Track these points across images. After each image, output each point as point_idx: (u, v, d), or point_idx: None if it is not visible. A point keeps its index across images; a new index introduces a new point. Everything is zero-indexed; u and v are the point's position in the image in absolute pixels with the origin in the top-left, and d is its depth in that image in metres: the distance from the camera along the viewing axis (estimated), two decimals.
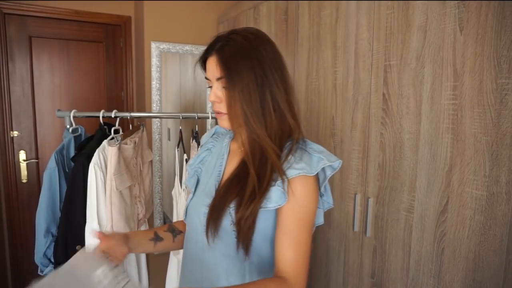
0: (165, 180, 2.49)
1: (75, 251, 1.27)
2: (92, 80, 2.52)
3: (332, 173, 0.81)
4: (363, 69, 1.26)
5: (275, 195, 0.75)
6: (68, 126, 1.42)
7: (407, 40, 1.09)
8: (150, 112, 2.38)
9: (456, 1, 0.95)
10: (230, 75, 0.77)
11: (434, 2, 1.00)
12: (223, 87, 0.79)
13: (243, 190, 0.77)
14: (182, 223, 1.01)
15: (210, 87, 0.83)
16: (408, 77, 1.09)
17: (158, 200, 2.47)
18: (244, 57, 0.76)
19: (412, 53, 1.08)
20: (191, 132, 1.45)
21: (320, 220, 0.89)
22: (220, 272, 0.82)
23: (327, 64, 1.45)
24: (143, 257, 1.60)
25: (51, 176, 1.35)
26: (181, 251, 1.32)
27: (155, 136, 2.43)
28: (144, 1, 2.31)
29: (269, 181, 0.76)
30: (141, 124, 1.64)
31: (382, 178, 1.20)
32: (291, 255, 0.74)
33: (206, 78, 0.83)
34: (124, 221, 1.27)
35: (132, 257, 1.49)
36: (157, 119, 2.40)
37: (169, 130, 2.51)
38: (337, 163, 0.78)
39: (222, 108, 0.80)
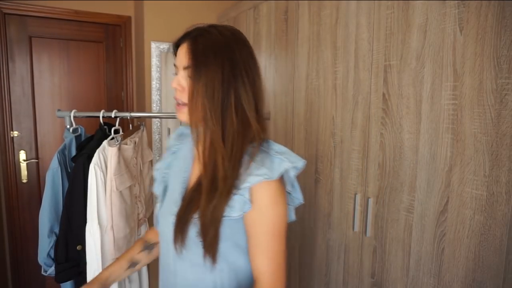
0: None
1: (75, 251, 1.28)
2: (92, 80, 2.52)
3: (297, 173, 0.78)
4: (363, 69, 1.26)
5: (238, 204, 0.73)
6: (68, 126, 1.42)
7: (407, 40, 1.09)
8: (150, 112, 2.38)
9: (456, 1, 0.95)
10: (197, 66, 0.74)
11: (434, 2, 1.00)
12: (189, 77, 0.76)
13: (200, 197, 0.75)
14: (156, 231, 1.00)
15: (176, 74, 0.80)
16: (408, 77, 1.09)
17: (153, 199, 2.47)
18: (216, 52, 0.74)
19: (412, 53, 1.08)
20: None
21: (292, 217, 0.88)
22: (191, 281, 0.81)
23: (327, 64, 1.45)
24: None
25: (53, 176, 1.35)
26: None
27: (155, 136, 2.43)
28: (144, 1, 2.31)
29: (229, 188, 0.73)
30: (141, 124, 1.64)
31: (382, 178, 1.20)
32: (265, 265, 0.74)
33: (175, 65, 0.80)
34: (124, 221, 1.27)
35: None
36: (157, 119, 2.40)
37: (169, 130, 2.51)
38: (300, 164, 0.76)
39: (184, 98, 0.77)
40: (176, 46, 0.81)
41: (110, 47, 2.55)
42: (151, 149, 2.33)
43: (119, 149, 1.26)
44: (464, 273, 0.95)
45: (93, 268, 1.22)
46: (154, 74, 2.38)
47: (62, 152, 1.38)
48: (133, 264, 0.99)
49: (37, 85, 2.36)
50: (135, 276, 1.52)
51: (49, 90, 2.40)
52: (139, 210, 1.46)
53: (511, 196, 0.84)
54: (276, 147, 0.78)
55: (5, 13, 2.22)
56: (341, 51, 1.37)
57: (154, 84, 2.38)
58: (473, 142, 0.92)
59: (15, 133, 2.33)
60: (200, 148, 0.79)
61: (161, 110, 2.43)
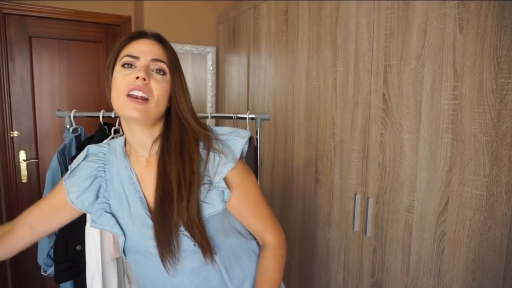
0: None
1: (75, 251, 1.27)
2: (92, 80, 2.52)
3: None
4: (363, 69, 1.26)
5: (217, 197, 0.75)
6: (68, 126, 1.42)
7: (407, 40, 1.09)
8: None
9: (456, 1, 0.95)
10: (176, 63, 0.77)
11: (434, 2, 1.00)
12: (161, 73, 0.74)
13: (178, 206, 0.73)
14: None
15: (128, 65, 0.73)
16: (408, 77, 1.09)
17: None
18: (177, 55, 0.80)
19: (412, 53, 1.08)
20: None
21: None
22: (200, 284, 0.81)
23: (327, 64, 1.45)
24: None
25: (53, 176, 1.34)
26: None
27: None
28: (144, 1, 2.31)
29: (195, 188, 0.73)
30: None
31: (382, 178, 1.20)
32: (261, 227, 0.83)
33: (130, 56, 0.73)
34: None
35: None
36: None
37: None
38: (247, 136, 0.81)
39: (148, 90, 0.71)
40: (136, 37, 0.77)
41: (110, 47, 2.55)
42: None
43: None
44: (464, 273, 0.95)
45: (93, 268, 1.22)
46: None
47: (62, 152, 1.37)
48: None
49: (37, 85, 2.36)
50: (135, 276, 1.52)
51: (49, 90, 2.40)
52: None
53: (511, 196, 0.84)
54: (221, 129, 0.81)
55: (5, 13, 2.22)
56: (341, 51, 1.37)
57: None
58: (473, 142, 0.92)
59: (15, 133, 2.33)
60: (154, 152, 0.78)
61: None
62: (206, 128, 0.80)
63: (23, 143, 2.36)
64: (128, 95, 0.70)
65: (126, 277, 1.47)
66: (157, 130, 0.78)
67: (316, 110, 1.52)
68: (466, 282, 0.95)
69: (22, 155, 2.35)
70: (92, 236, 1.21)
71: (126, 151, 0.83)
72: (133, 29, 2.56)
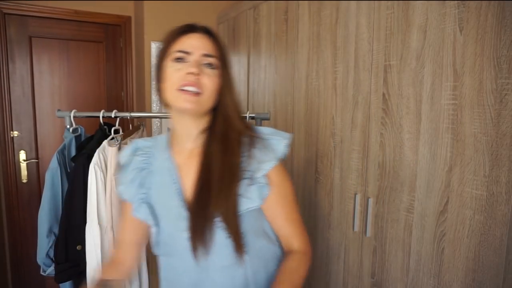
0: None
1: (75, 251, 1.27)
2: (92, 80, 2.52)
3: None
4: (363, 69, 1.26)
5: (256, 192, 0.76)
6: (68, 126, 1.42)
7: (407, 40, 1.09)
8: (150, 112, 2.38)
9: (456, 1, 0.95)
10: (225, 58, 0.79)
11: (434, 2, 1.00)
12: (212, 67, 0.76)
13: (217, 197, 0.75)
14: (110, 267, 0.91)
15: (180, 59, 0.75)
16: (408, 77, 1.09)
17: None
18: (226, 49, 0.81)
19: (412, 53, 1.08)
20: None
21: None
22: (222, 284, 0.81)
23: (327, 64, 1.45)
24: (143, 256, 1.60)
25: (53, 176, 1.35)
26: None
27: None
28: (144, 1, 2.31)
29: (237, 181, 0.75)
30: (141, 124, 1.64)
31: (382, 178, 1.20)
32: (291, 232, 0.83)
33: (182, 51, 0.75)
34: None
35: None
36: (157, 119, 2.40)
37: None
38: (290, 138, 0.82)
39: (200, 84, 0.74)
40: (186, 32, 0.78)
41: (110, 47, 2.55)
42: None
43: (119, 149, 1.26)
44: (464, 273, 0.95)
45: (93, 268, 1.22)
46: (154, 74, 2.37)
47: (62, 152, 1.37)
48: None
49: (37, 85, 2.36)
50: (135, 276, 1.52)
51: (49, 90, 2.40)
52: None
53: (511, 196, 0.84)
54: (264, 130, 0.82)
55: (5, 13, 2.22)
56: (341, 51, 1.37)
57: (154, 84, 2.38)
58: (473, 142, 0.92)
59: (15, 133, 2.33)
60: (199, 144, 0.81)
61: (161, 110, 2.42)
62: (249, 125, 0.82)
63: (23, 143, 2.36)
64: (181, 90, 0.73)
65: None
66: (204, 122, 0.81)
67: (316, 110, 1.52)
68: (466, 282, 0.95)
69: (22, 155, 2.35)
70: (92, 236, 1.21)
71: (169, 144, 0.86)
72: (133, 29, 2.56)
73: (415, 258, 1.09)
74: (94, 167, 1.20)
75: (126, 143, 1.34)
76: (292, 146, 1.69)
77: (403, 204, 1.13)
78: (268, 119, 1.39)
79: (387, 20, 1.16)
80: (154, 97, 2.40)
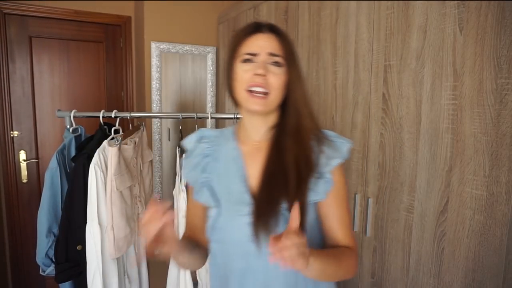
0: (165, 180, 2.49)
1: (75, 251, 1.28)
2: (92, 80, 2.52)
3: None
4: (363, 69, 1.26)
5: (322, 186, 0.79)
6: (68, 126, 1.42)
7: (407, 40, 1.09)
8: (150, 112, 2.38)
9: (456, 1, 0.95)
10: (292, 54, 0.80)
11: (434, 2, 1.00)
12: (278, 65, 0.79)
13: (287, 187, 0.78)
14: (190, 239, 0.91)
15: (247, 61, 0.79)
16: (408, 77, 1.09)
17: (158, 200, 2.47)
18: (294, 45, 0.83)
19: (412, 53, 1.08)
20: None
21: None
22: (278, 274, 0.81)
23: (327, 64, 1.45)
24: (143, 258, 1.60)
25: (52, 176, 1.35)
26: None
27: (155, 136, 2.43)
28: (144, 1, 2.31)
29: (310, 173, 0.78)
30: (141, 124, 1.64)
31: (382, 178, 1.20)
32: (341, 233, 0.83)
33: (249, 54, 0.79)
34: (124, 221, 1.27)
35: (131, 256, 1.49)
36: (157, 119, 2.40)
37: (169, 130, 2.51)
38: (351, 143, 0.85)
39: (267, 84, 0.77)
40: (252, 32, 0.81)
41: (110, 47, 2.55)
42: (151, 149, 2.33)
43: (119, 149, 1.26)
44: (464, 273, 0.95)
45: (93, 268, 1.22)
46: (154, 74, 2.38)
47: (61, 152, 1.37)
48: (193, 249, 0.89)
49: (37, 85, 2.36)
50: (135, 276, 1.52)
51: (49, 90, 2.40)
52: (139, 210, 1.46)
53: (511, 196, 0.84)
54: (329, 132, 0.85)
55: (5, 13, 2.22)
56: (341, 51, 1.37)
57: (154, 84, 2.38)
58: (473, 142, 0.92)
59: (15, 133, 2.33)
60: (267, 138, 0.85)
61: (161, 110, 2.43)
62: (317, 122, 0.84)
63: (23, 143, 2.36)
64: (249, 90, 0.78)
65: (126, 276, 1.47)
66: (273, 117, 0.85)
67: (316, 110, 1.52)
68: (466, 282, 0.95)
69: (22, 155, 2.35)
70: (92, 236, 1.21)
71: (236, 135, 0.90)
72: (133, 29, 2.56)
73: (415, 258, 1.09)
74: (94, 167, 1.20)
75: (126, 143, 1.34)
76: None
77: (403, 204, 1.13)
78: None
79: (387, 20, 1.16)
80: (154, 97, 2.40)
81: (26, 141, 2.36)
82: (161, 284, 1.69)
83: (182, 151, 1.36)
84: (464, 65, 0.93)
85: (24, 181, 2.37)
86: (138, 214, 1.45)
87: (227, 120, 2.34)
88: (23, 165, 2.36)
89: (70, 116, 1.40)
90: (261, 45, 0.79)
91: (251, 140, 0.87)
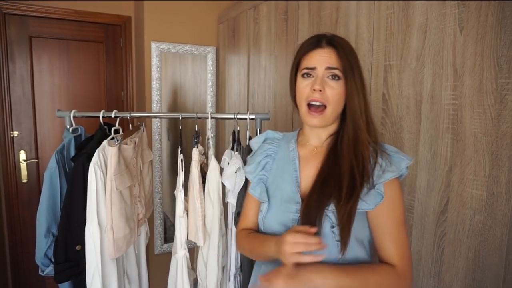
0: (165, 180, 2.49)
1: (75, 251, 1.27)
2: (92, 80, 2.52)
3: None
4: (363, 69, 1.26)
5: (373, 198, 0.80)
6: (68, 126, 1.42)
7: (407, 40, 1.09)
8: (150, 112, 2.38)
9: (456, 1, 0.95)
10: (349, 65, 0.82)
11: (434, 2, 1.00)
12: (336, 78, 0.82)
13: (338, 191, 0.80)
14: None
15: (307, 75, 0.84)
16: (408, 77, 1.09)
17: (158, 200, 2.47)
18: (355, 56, 0.85)
19: (412, 53, 1.08)
20: (195, 132, 1.44)
21: None
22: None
23: None
24: (143, 256, 1.60)
25: (51, 176, 1.35)
26: (179, 250, 1.32)
27: (155, 136, 2.43)
28: (144, 1, 2.31)
29: (363, 182, 0.80)
30: (141, 124, 1.64)
31: None
32: (396, 252, 0.81)
33: (308, 68, 0.84)
34: (124, 221, 1.27)
35: (132, 256, 1.49)
36: (157, 119, 2.40)
37: (169, 130, 2.51)
38: (411, 161, 0.85)
39: (325, 98, 0.82)
40: (313, 48, 0.85)
41: (110, 47, 2.55)
42: (151, 149, 2.33)
43: (119, 149, 1.26)
44: (464, 273, 0.95)
45: (92, 268, 1.22)
46: (154, 74, 2.38)
47: (61, 152, 1.37)
48: None
49: (37, 85, 2.36)
50: (135, 276, 1.52)
51: (49, 90, 2.41)
52: (138, 210, 1.46)
53: (511, 196, 0.84)
54: (389, 147, 0.87)
55: (5, 13, 2.22)
56: None
57: (154, 84, 2.38)
58: (473, 142, 0.92)
59: (15, 133, 2.33)
60: (325, 144, 0.90)
61: (161, 110, 2.43)
62: (376, 134, 0.86)
63: (23, 143, 2.36)
64: (308, 104, 0.84)
65: (126, 277, 1.47)
66: (333, 127, 0.89)
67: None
68: (466, 282, 0.95)
69: (22, 155, 2.35)
70: (92, 236, 1.21)
71: (297, 139, 0.96)
72: (133, 29, 2.57)
73: (415, 258, 1.09)
74: (94, 167, 1.20)
75: (126, 143, 1.34)
76: None
77: None
78: (268, 119, 1.38)
79: (387, 20, 1.16)
80: (154, 97, 2.40)
81: (26, 141, 2.37)
82: (160, 283, 1.69)
83: (182, 151, 1.36)
84: (464, 65, 0.93)
85: (24, 181, 2.37)
86: (138, 214, 1.45)
87: (227, 120, 2.34)
88: (23, 165, 2.36)
89: (70, 116, 1.40)
90: (320, 60, 0.83)
91: (310, 145, 0.93)
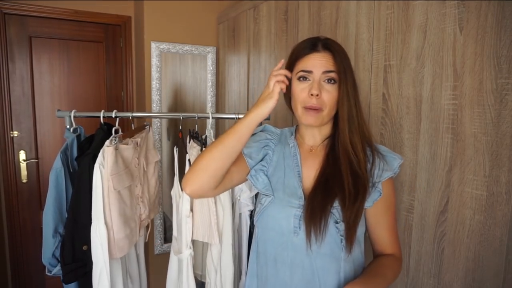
0: (165, 180, 2.49)
1: (82, 252, 1.27)
2: (92, 80, 2.52)
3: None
4: (363, 69, 1.26)
5: (372, 196, 0.86)
6: (68, 126, 1.42)
7: (407, 40, 1.09)
8: (150, 112, 2.38)
9: (456, 1, 0.95)
10: (344, 69, 0.84)
11: (434, 2, 1.00)
12: (332, 82, 0.84)
13: (342, 192, 0.83)
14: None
15: (303, 78, 0.86)
16: (408, 77, 1.09)
17: (159, 200, 2.47)
18: (349, 60, 0.87)
19: (412, 53, 1.08)
20: (189, 132, 1.44)
21: None
22: (315, 271, 0.86)
23: None
24: (142, 256, 1.60)
25: (57, 176, 1.34)
26: (184, 250, 1.32)
27: (155, 136, 2.43)
28: (144, 1, 2.31)
29: (368, 183, 0.84)
30: (147, 124, 1.63)
31: None
32: (389, 240, 0.92)
33: (304, 71, 0.86)
34: (123, 221, 1.27)
35: (132, 256, 1.49)
36: (157, 119, 2.40)
37: (169, 130, 2.51)
38: (403, 159, 0.92)
39: (321, 103, 0.84)
40: (309, 52, 0.87)
41: (110, 47, 2.55)
42: None
43: (116, 148, 1.26)
44: (464, 273, 0.95)
45: (99, 267, 1.22)
46: (154, 74, 2.38)
47: (65, 152, 1.37)
48: None
49: (37, 85, 2.36)
50: (136, 276, 1.52)
51: (49, 90, 2.41)
52: (141, 211, 1.45)
53: (511, 196, 0.84)
54: (381, 147, 0.92)
55: (5, 13, 2.22)
56: None
57: (154, 84, 2.38)
58: (473, 142, 0.92)
59: (15, 133, 2.33)
60: (321, 144, 0.93)
61: (161, 110, 2.43)
62: (369, 135, 0.89)
63: (23, 143, 2.36)
64: (305, 107, 0.86)
65: (128, 276, 1.47)
66: (326, 127, 0.92)
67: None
68: (466, 282, 0.95)
69: (22, 155, 2.35)
70: (98, 235, 1.21)
71: (294, 136, 0.99)
72: (133, 29, 2.57)
73: (415, 258, 1.09)
74: (99, 167, 1.20)
75: (127, 143, 1.34)
76: None
77: (403, 204, 1.13)
78: (268, 119, 1.38)
79: (387, 20, 1.16)
80: (154, 97, 2.40)
81: (26, 141, 2.37)
82: (160, 283, 1.69)
83: (179, 151, 1.36)
84: (464, 65, 0.93)
85: (24, 181, 2.37)
86: (140, 215, 1.45)
87: (227, 120, 2.34)
88: (23, 165, 2.36)
89: (70, 116, 1.40)
90: (316, 64, 0.85)
91: (306, 144, 0.95)
